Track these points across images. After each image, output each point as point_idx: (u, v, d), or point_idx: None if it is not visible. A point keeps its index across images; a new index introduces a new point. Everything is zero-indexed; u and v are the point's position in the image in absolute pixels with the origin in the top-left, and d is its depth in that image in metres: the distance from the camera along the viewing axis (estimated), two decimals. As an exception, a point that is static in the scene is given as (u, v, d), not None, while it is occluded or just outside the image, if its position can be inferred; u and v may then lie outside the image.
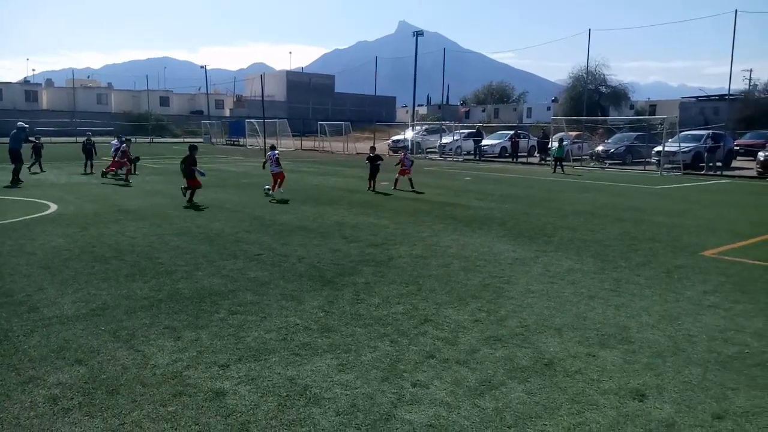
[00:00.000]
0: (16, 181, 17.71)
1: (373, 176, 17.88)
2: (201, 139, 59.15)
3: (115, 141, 22.21)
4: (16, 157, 18.04)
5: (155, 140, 57.18)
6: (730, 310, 6.34)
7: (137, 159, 21.70)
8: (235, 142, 54.03)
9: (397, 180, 18.09)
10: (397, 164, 18.39)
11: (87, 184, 18.24)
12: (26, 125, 19.39)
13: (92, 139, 23.74)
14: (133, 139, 24.08)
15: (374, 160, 17.97)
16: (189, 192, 13.95)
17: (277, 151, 16.33)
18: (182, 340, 5.25)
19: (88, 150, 23.08)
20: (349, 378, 4.51)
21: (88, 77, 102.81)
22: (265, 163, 16.54)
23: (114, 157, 20.86)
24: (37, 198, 14.62)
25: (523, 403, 4.15)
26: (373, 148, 19.91)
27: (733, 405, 4.17)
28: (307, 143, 48.55)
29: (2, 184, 17.23)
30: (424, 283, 7.24)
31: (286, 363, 4.78)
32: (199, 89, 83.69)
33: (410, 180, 17.99)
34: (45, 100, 72.79)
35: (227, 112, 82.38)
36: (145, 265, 7.91)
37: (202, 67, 71.47)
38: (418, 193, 17.04)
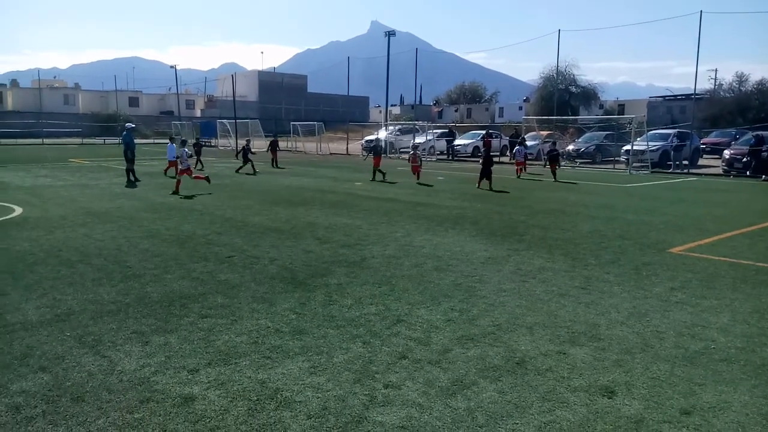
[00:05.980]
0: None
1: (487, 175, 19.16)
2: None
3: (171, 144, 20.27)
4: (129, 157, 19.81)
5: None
6: (696, 306, 6.46)
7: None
8: (207, 143, 53.39)
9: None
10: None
11: (52, 187, 17.81)
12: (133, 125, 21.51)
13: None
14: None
15: (489, 160, 19.62)
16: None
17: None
18: (150, 344, 5.15)
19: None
20: (321, 380, 4.47)
21: (54, 77, 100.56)
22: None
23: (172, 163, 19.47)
24: (1, 201, 14.25)
25: (495, 402, 4.16)
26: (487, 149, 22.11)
27: (701, 400, 4.23)
28: (280, 144, 48.17)
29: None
30: (396, 283, 7.23)
31: (257, 366, 4.72)
32: (169, 89, 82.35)
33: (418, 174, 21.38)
34: (10, 101, 70.96)
35: (198, 113, 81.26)
36: (112, 269, 7.75)
37: (171, 66, 70.27)
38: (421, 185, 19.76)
